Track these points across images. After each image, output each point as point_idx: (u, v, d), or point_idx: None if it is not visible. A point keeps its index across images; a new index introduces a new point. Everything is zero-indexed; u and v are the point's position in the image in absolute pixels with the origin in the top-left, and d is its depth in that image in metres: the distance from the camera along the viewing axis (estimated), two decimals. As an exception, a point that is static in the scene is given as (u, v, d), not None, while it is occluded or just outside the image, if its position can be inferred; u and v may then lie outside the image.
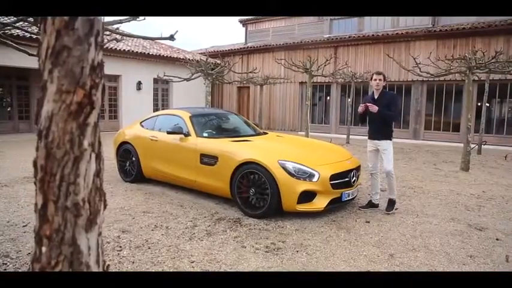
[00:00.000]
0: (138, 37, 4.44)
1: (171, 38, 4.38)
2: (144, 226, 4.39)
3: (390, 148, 5.20)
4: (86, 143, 0.95)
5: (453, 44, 14.13)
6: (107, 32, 4.81)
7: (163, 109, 17.69)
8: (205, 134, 5.65)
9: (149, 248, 3.76)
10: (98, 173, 1.00)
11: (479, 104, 13.44)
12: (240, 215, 4.86)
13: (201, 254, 3.67)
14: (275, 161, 4.64)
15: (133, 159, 6.38)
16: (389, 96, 5.29)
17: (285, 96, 18.53)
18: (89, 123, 0.94)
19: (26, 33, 9.62)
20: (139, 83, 16.17)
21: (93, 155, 0.97)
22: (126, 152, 6.55)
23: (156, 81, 16.87)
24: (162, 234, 4.15)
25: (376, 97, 5.23)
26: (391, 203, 5.28)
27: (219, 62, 15.59)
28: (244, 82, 16.44)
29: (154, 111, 17.03)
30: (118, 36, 5.54)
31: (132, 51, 15.32)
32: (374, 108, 5.02)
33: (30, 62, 12.14)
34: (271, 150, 5.13)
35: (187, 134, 5.60)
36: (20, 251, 3.61)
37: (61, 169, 0.91)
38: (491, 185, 7.21)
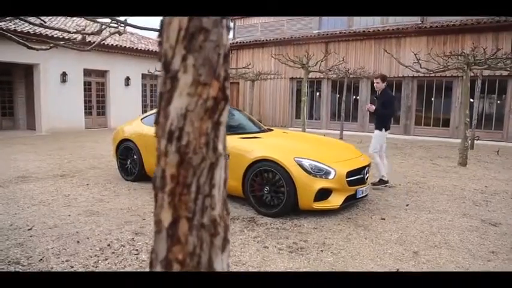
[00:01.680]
0: (149, 29, 4.22)
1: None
2: (157, 227, 4.20)
3: (376, 136, 6.40)
4: (220, 147, 0.80)
5: (443, 41, 14.28)
6: (114, 24, 4.58)
7: (152, 105, 17.34)
8: (212, 131, 5.48)
9: (168, 251, 3.58)
10: (225, 182, 0.85)
11: (471, 100, 13.62)
12: (253, 214, 4.73)
13: (224, 256, 3.52)
14: (291, 158, 4.52)
15: (135, 157, 6.15)
16: (386, 96, 6.45)
17: (275, 92, 18.42)
18: (221, 123, 0.79)
19: (20, 26, 9.24)
20: (127, 79, 15.77)
21: (224, 161, 0.82)
22: (126, 150, 6.31)
23: (144, 76, 16.49)
24: (178, 236, 3.97)
25: (377, 96, 6.60)
26: (380, 181, 6.32)
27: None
28: (236, 77, 16.24)
29: (142, 107, 16.71)
30: (121, 29, 5.30)
31: (120, 46, 14.90)
32: (371, 109, 6.41)
33: (13, 56, 11.70)
34: (285, 147, 5.00)
35: (194, 131, 5.41)
36: (31, 257, 3.38)
37: (196, 179, 0.75)
38: (491, 179, 7.28)
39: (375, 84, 6.47)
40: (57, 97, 13.43)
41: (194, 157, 0.74)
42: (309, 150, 4.93)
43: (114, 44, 14.48)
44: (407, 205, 5.35)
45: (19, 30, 9.37)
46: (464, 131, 8.63)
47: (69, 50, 13.24)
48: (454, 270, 3.44)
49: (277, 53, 17.40)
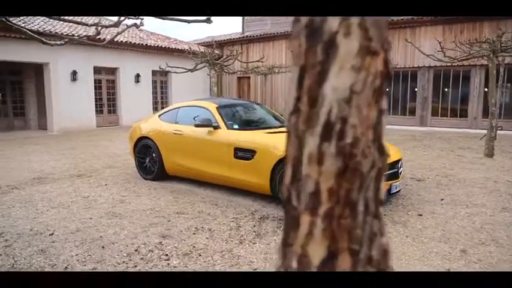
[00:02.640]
0: (171, 19, 3.97)
1: (208, 20, 3.95)
2: (184, 229, 3.98)
3: None
4: (385, 146, 0.55)
5: (460, 29, 13.83)
6: (132, 16, 4.33)
7: (162, 102, 17.14)
8: (235, 126, 5.23)
9: (200, 255, 3.36)
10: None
11: (486, 89, 13.21)
12: (283, 212, 4.48)
13: (261, 259, 3.29)
14: (323, 153, 4.26)
15: (154, 155, 5.93)
16: None
17: (286, 86, 18.10)
18: (384, 111, 0.54)
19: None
20: (137, 76, 15.54)
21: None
22: (145, 148, 6.09)
23: (154, 73, 16.26)
24: (207, 238, 3.75)
25: None
26: None
27: (217, 51, 15.08)
28: (249, 72, 15.94)
29: (153, 104, 16.51)
30: (137, 22, 5.05)
31: (130, 42, 14.66)
32: None
33: (23, 56, 11.55)
34: (314, 141, 4.75)
35: (216, 127, 5.17)
36: (55, 265, 3.18)
37: (364, 193, 0.51)
38: (522, 171, 6.96)
39: None
40: (68, 96, 13.27)
41: (364, 162, 0.49)
42: (339, 144, 4.67)
43: (124, 41, 14.25)
44: (442, 199, 5.07)
45: (28, 28, 9.18)
46: (490, 121, 8.29)
47: (78, 48, 13.07)
48: (500, 270, 3.19)
49: (289, 47, 17.10)
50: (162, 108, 16.95)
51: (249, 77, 19.00)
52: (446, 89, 14.70)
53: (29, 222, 4.16)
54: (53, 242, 3.61)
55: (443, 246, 3.60)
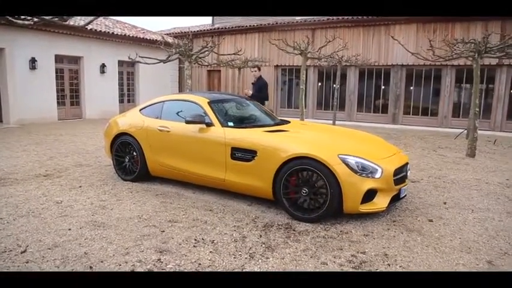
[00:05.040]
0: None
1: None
2: (182, 241, 3.48)
3: None
4: None
5: (433, 28, 14.03)
6: None
7: (129, 94, 16.20)
8: (230, 124, 4.75)
9: (209, 274, 2.88)
10: None
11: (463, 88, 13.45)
12: (287, 219, 4.09)
13: (281, 279, 2.87)
14: (334, 155, 3.89)
15: (135, 154, 5.32)
16: (261, 83, 8.00)
17: (259, 80, 17.69)
18: None
19: None
20: (103, 66, 14.53)
21: None
22: (124, 146, 5.46)
23: (121, 63, 15.29)
24: (211, 252, 3.28)
25: (253, 82, 8.11)
26: None
27: (185, 42, 14.37)
28: (222, 65, 15.35)
29: (120, 96, 15.54)
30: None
31: (95, 30, 13.64)
32: (248, 93, 7.81)
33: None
34: (323, 142, 4.36)
35: (209, 124, 4.67)
36: (35, 291, 2.59)
37: None
38: (505, 171, 7.00)
39: (253, 73, 8.10)
40: (26, 85, 12.12)
41: None
42: (350, 146, 4.32)
43: (88, 28, 13.23)
44: (445, 203, 4.88)
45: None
46: (473, 121, 8.32)
47: (38, 34, 11.97)
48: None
49: (261, 40, 16.72)
50: (129, 101, 16.05)
51: (219, 70, 18.40)
52: (417, 88, 14.91)
53: (-7, 236, 3.49)
54: (27, 263, 3.00)
55: (467, 257, 3.35)
